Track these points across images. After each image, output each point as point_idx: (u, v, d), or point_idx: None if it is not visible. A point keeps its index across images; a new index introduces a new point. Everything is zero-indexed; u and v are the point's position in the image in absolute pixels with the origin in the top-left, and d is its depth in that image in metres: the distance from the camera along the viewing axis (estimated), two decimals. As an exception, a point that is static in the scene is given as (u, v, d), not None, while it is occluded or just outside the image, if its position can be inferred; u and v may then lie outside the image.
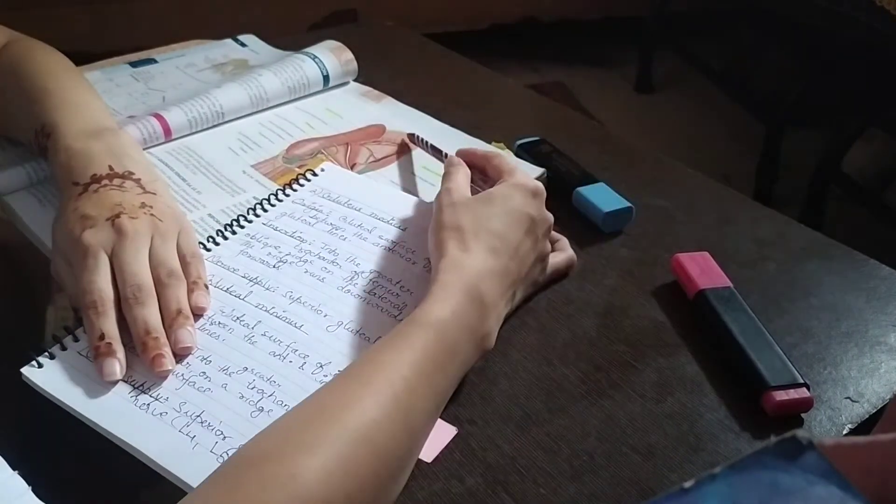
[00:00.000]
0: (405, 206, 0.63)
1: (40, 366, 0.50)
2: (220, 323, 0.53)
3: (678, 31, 2.26)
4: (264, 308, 0.54)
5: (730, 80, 2.19)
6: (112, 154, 0.58)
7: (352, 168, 0.71)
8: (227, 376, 0.50)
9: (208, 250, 0.59)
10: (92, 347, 0.50)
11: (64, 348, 0.51)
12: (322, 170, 0.66)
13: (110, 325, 0.50)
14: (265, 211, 0.63)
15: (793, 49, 2.04)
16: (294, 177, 0.66)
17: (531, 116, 0.86)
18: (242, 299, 0.55)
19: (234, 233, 0.61)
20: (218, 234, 0.60)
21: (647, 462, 0.48)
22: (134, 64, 0.86)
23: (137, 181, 0.57)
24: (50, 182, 0.65)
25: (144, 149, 0.69)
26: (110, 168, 0.57)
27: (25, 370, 0.50)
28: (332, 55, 0.82)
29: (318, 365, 0.51)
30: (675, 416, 0.51)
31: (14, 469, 0.40)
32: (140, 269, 0.52)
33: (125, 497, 0.70)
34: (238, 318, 0.54)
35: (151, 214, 0.55)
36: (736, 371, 0.53)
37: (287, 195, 0.64)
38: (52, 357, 0.51)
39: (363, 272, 0.57)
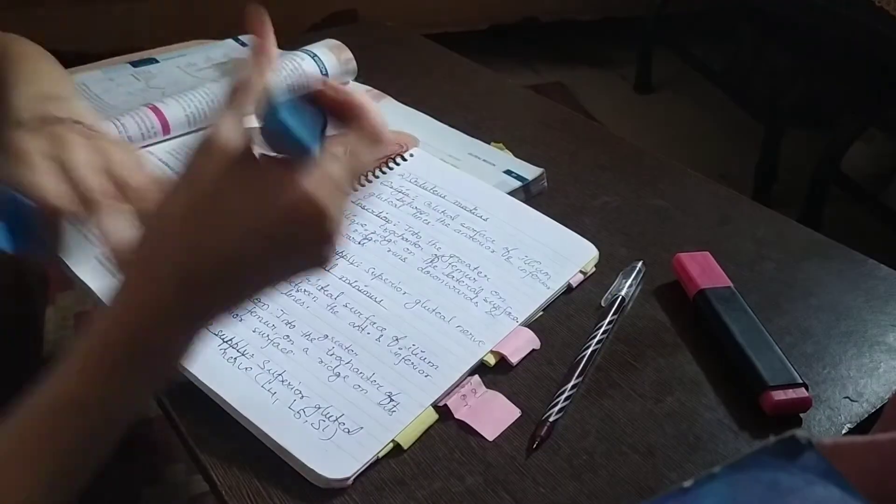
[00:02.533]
0: (488, 197, 0.66)
1: None
2: (305, 290, 0.56)
3: (678, 31, 2.26)
4: (347, 281, 0.57)
5: (729, 80, 2.19)
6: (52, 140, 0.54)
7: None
8: (308, 341, 0.53)
9: None
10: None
11: None
12: (411, 155, 0.69)
13: None
14: (354, 190, 0.64)
15: (792, 49, 2.04)
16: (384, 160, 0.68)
17: (531, 116, 0.86)
18: (327, 270, 0.58)
19: None
20: None
21: (647, 461, 0.48)
22: (135, 64, 0.86)
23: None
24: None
25: (144, 146, 0.69)
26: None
27: None
28: (332, 54, 0.82)
29: (395, 338, 0.53)
30: (675, 415, 0.51)
31: None
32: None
33: (125, 497, 0.70)
34: (322, 287, 0.57)
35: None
36: (735, 371, 0.53)
37: (376, 176, 0.67)
38: None
39: (443, 255, 0.60)
